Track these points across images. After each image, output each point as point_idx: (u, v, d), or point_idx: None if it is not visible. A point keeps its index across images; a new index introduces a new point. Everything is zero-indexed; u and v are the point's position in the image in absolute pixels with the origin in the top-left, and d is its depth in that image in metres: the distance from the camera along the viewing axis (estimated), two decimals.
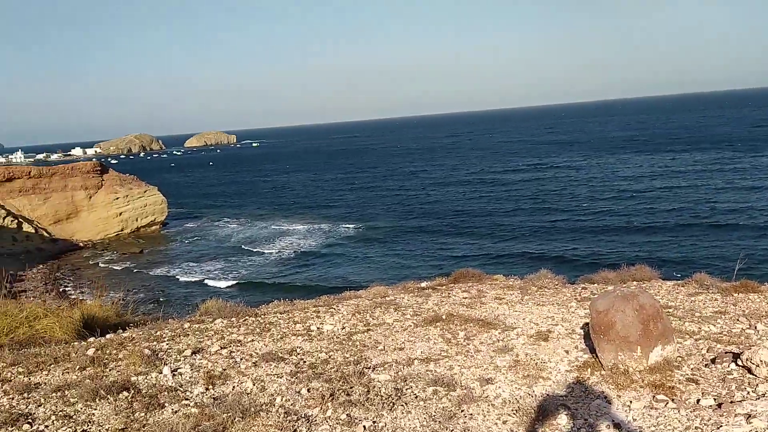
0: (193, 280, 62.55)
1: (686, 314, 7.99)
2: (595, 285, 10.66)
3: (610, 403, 5.33)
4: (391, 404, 5.33)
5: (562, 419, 5.05)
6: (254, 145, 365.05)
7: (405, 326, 8.00)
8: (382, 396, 5.49)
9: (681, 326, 7.37)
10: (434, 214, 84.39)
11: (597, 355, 6.21)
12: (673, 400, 5.30)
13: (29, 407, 5.60)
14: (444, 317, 8.17)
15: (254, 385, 5.99)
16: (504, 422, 5.05)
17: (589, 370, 6.11)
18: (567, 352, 6.75)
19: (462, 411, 5.23)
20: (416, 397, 5.50)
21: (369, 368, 6.31)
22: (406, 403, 5.37)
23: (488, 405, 5.36)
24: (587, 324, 6.95)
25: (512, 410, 5.24)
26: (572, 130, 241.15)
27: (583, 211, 74.76)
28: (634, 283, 10.43)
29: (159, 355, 7.04)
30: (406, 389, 5.70)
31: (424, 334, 7.60)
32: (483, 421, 5.07)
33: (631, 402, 5.33)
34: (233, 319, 8.90)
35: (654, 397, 5.37)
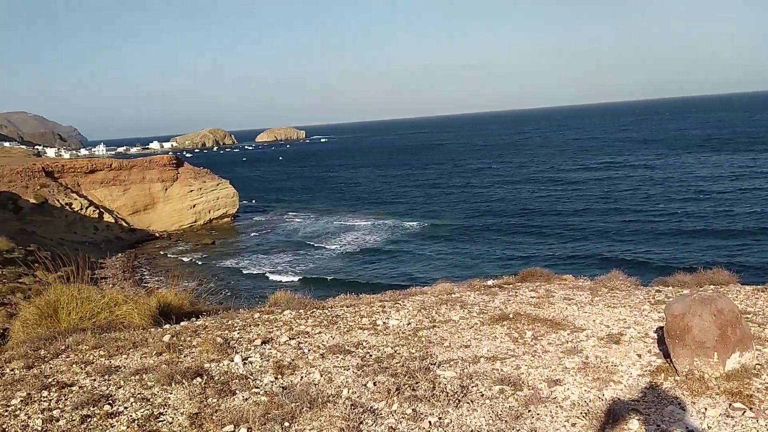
0: (261, 272, 64.07)
1: (766, 321, 7.62)
2: (670, 288, 10.30)
3: (684, 410, 5.15)
4: (457, 401, 5.32)
5: (634, 424, 4.92)
6: (323, 140, 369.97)
7: (471, 324, 7.96)
8: (447, 392, 5.48)
9: (760, 333, 7.03)
10: (500, 213, 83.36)
11: (671, 360, 6.01)
12: (751, 408, 5.07)
13: (110, 389, 5.88)
14: (511, 316, 8.08)
15: (322, 376, 6.09)
16: (573, 425, 4.96)
17: (662, 375, 5.92)
18: (639, 356, 6.55)
19: (529, 411, 5.17)
20: (482, 395, 5.47)
21: (434, 364, 6.32)
22: (471, 401, 5.35)
23: (556, 406, 5.27)
24: (661, 328, 6.73)
25: (581, 413, 5.14)
26: (647, 127, 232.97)
27: (657, 212, 72.18)
28: (711, 286, 10.02)
29: (230, 344, 7.25)
30: (472, 387, 5.68)
31: (490, 333, 7.55)
32: (551, 422, 5.00)
33: (706, 409, 5.13)
34: (301, 311, 9.08)
35: (730, 405, 5.16)
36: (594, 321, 7.96)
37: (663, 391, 5.53)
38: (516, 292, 9.92)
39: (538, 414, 5.12)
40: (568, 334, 7.35)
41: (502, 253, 61.23)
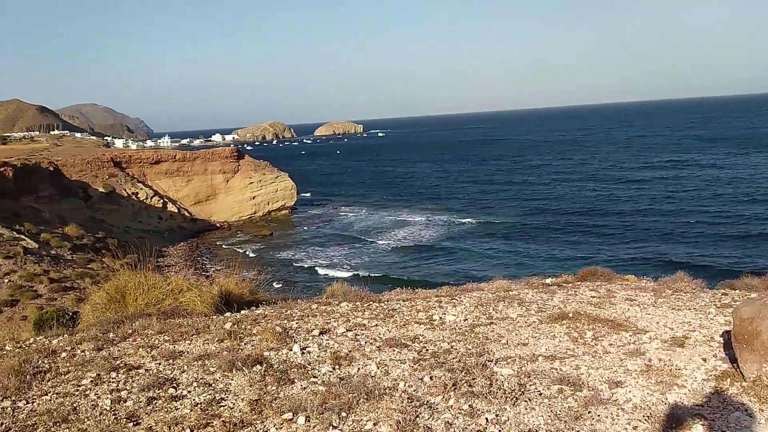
0: (316, 264, 64.89)
1: None
2: (737, 291, 9.90)
3: (751, 417, 4.95)
4: (515, 399, 5.26)
5: (698, 429, 4.76)
6: (380, 134, 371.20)
7: (529, 322, 7.86)
8: (505, 390, 5.43)
9: None
10: (559, 211, 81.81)
11: (738, 366, 5.78)
12: None
13: (174, 373, 6.08)
14: (571, 315, 7.93)
15: (378, 368, 6.13)
16: (634, 428, 4.84)
17: (728, 380, 5.71)
18: (704, 360, 6.33)
19: (589, 412, 5.07)
20: (540, 394, 5.40)
21: (491, 361, 6.27)
22: (529, 399, 5.28)
23: (617, 409, 5.15)
24: (727, 332, 6.49)
25: (643, 416, 5.01)
26: (715, 125, 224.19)
27: (724, 214, 69.46)
28: None
29: (289, 333, 7.38)
30: (530, 385, 5.61)
31: (549, 331, 7.43)
32: (611, 424, 4.89)
33: None
34: (358, 303, 9.16)
35: None
36: (657, 323, 7.74)
37: (729, 397, 5.34)
38: (575, 291, 9.74)
39: (598, 415, 5.02)
40: (630, 336, 7.17)
41: (560, 253, 60.14)
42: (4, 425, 4.89)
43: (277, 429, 4.80)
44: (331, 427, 4.77)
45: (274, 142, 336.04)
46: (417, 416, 4.94)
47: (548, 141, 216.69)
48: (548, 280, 11.27)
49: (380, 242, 73.16)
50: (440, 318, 8.13)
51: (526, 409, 5.11)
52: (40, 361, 6.51)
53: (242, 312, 8.65)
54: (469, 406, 5.14)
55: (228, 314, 8.46)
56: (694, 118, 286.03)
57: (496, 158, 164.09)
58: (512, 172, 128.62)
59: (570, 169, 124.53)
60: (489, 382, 5.61)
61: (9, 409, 5.27)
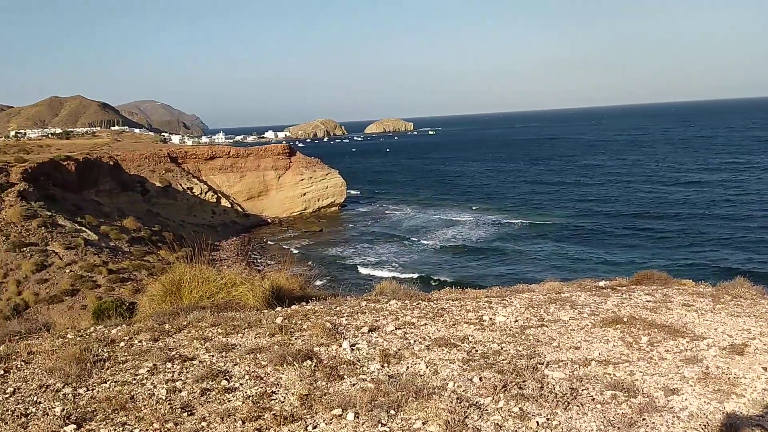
0: (365, 261, 65.17)
1: None
2: None
3: None
4: (566, 403, 5.17)
5: None
6: (430, 132, 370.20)
7: (581, 325, 7.71)
8: (556, 394, 5.34)
9: None
10: (612, 213, 79.96)
11: None
12: None
13: (226, 365, 6.21)
14: (625, 320, 7.75)
15: (427, 367, 6.11)
16: None
17: None
18: (765, 369, 6.09)
19: (643, 419, 4.94)
20: (593, 399, 5.29)
21: (542, 364, 6.17)
22: (581, 404, 5.18)
23: (673, 416, 5.01)
24: None
25: (700, 425, 4.86)
26: None
27: None
28: None
29: (339, 330, 7.43)
30: (582, 390, 5.50)
31: (602, 335, 7.27)
32: None
33: None
34: (407, 301, 9.15)
35: None
36: (715, 330, 7.49)
37: None
38: (630, 295, 9.50)
39: (653, 423, 4.89)
40: (687, 342, 6.96)
41: (613, 256, 58.83)
42: (65, 411, 5.08)
43: (326, 424, 4.84)
44: (379, 425, 4.79)
45: (325, 139, 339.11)
46: (466, 417, 4.91)
47: (603, 140, 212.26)
48: (601, 283, 11.03)
49: (428, 241, 72.98)
50: (490, 319, 8.05)
51: (578, 414, 5.02)
52: (99, 350, 6.74)
53: (293, 307, 8.75)
54: (520, 408, 5.08)
55: (279, 309, 8.57)
56: (756, 119, 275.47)
57: (548, 157, 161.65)
58: (565, 172, 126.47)
59: (625, 169, 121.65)
60: (540, 385, 5.53)
61: (70, 395, 5.47)
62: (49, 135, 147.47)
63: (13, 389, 5.62)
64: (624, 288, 10.35)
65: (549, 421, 4.87)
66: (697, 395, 5.45)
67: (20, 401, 5.35)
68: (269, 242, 78.20)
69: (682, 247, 59.96)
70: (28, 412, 5.12)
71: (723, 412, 5.12)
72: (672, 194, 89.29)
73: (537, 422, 4.83)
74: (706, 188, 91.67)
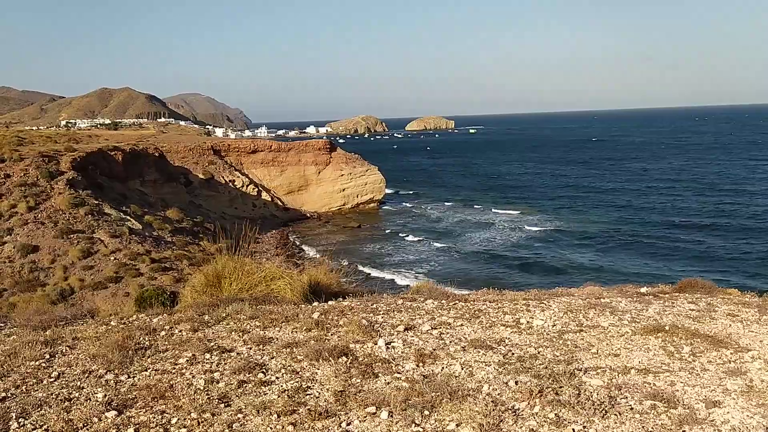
0: (402, 259, 65.12)
1: None
2: None
3: None
4: (604, 411, 5.08)
5: None
6: (471, 131, 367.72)
7: (621, 332, 7.56)
8: (593, 401, 5.25)
9: None
10: (656, 220, 77.96)
11: None
12: None
13: (263, 358, 6.28)
14: (667, 328, 7.57)
15: (462, 369, 6.08)
16: None
17: None
18: None
19: (683, 431, 4.83)
20: (631, 409, 5.19)
21: (580, 370, 6.08)
22: (619, 413, 5.08)
23: (714, 430, 4.88)
24: None
25: None
26: None
27: None
28: None
29: (375, 327, 7.45)
30: (621, 398, 5.40)
31: (642, 343, 7.12)
32: None
33: None
34: (443, 301, 9.12)
35: None
36: (761, 342, 7.26)
37: None
38: (673, 303, 9.29)
39: None
40: (731, 354, 6.77)
41: (655, 263, 57.53)
42: (107, 397, 5.22)
43: (360, 422, 4.86)
44: (413, 425, 4.78)
45: (366, 135, 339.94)
46: (500, 421, 4.87)
47: (649, 143, 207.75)
48: (643, 289, 10.81)
49: (466, 241, 72.61)
50: (527, 322, 7.96)
51: (615, 423, 4.93)
52: (141, 338, 6.90)
53: (329, 303, 8.81)
54: (555, 415, 5.01)
55: (316, 304, 8.64)
56: None
57: (590, 160, 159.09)
58: (607, 176, 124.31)
59: (673, 176, 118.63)
60: (577, 392, 5.44)
61: (112, 381, 5.62)
62: (98, 125, 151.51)
63: (57, 374, 5.79)
64: (666, 295, 10.13)
65: (585, 429, 4.79)
66: (740, 409, 5.29)
67: (64, 386, 5.51)
68: (308, 236, 78.83)
69: (723, 261, 58.15)
70: (71, 396, 5.27)
71: (766, 428, 4.97)
72: (717, 203, 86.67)
73: (573, 429, 4.76)
74: (757, 198, 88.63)
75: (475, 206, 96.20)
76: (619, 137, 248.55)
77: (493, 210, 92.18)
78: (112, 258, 44.24)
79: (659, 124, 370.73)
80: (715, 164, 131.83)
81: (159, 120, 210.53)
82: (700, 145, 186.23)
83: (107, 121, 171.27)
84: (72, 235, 45.71)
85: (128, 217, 53.57)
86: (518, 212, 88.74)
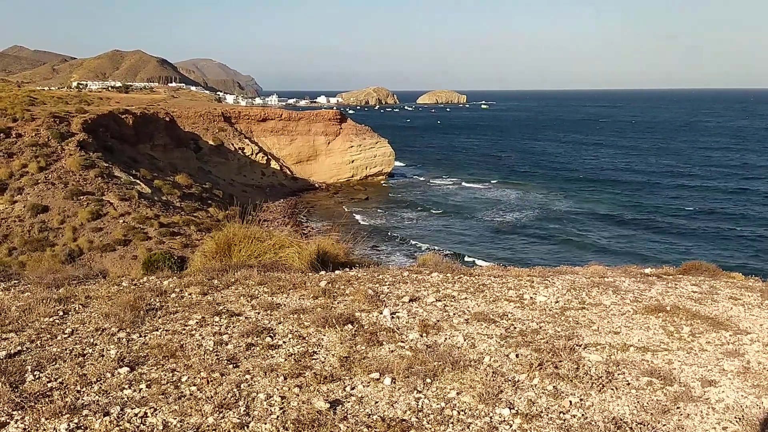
0: (409, 233, 65.29)
1: None
2: None
3: None
4: (601, 386, 5.21)
5: None
6: (483, 106, 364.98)
7: (623, 311, 7.68)
8: (591, 376, 5.39)
9: None
10: (666, 204, 77.12)
11: None
12: None
13: (271, 323, 6.44)
14: (668, 308, 7.68)
15: (465, 340, 6.22)
16: (724, 428, 4.70)
17: None
18: None
19: (678, 408, 4.96)
20: (628, 384, 5.32)
21: (580, 346, 6.21)
22: (616, 388, 5.22)
23: (708, 407, 5.01)
24: None
25: (735, 417, 4.85)
26: None
27: None
28: None
29: (380, 297, 7.59)
30: (618, 374, 5.53)
31: (643, 322, 7.24)
32: (700, 422, 4.77)
33: None
34: (448, 275, 9.24)
35: None
36: (761, 325, 7.36)
37: None
38: (676, 284, 9.37)
39: (687, 412, 4.90)
40: (730, 336, 6.87)
41: (661, 246, 57.39)
42: (119, 353, 5.39)
43: (364, 386, 5.01)
44: (415, 391, 4.93)
45: (376, 107, 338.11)
46: (500, 391, 5.01)
47: (661, 123, 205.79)
48: (647, 270, 10.90)
49: (473, 217, 72.66)
50: (531, 298, 8.08)
51: (612, 397, 5.06)
52: (152, 299, 7.07)
53: (336, 272, 8.95)
54: (554, 387, 5.15)
55: (323, 273, 8.78)
56: None
57: (600, 139, 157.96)
58: (618, 156, 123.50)
59: (684, 161, 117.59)
60: (576, 366, 5.58)
61: (124, 339, 5.79)
62: (109, 88, 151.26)
63: (71, 330, 5.97)
64: (670, 277, 10.22)
65: (582, 402, 4.93)
66: (735, 389, 5.41)
67: (78, 342, 5.68)
68: (316, 207, 79.04)
69: (738, 245, 57.93)
70: (84, 352, 5.45)
71: (760, 407, 5.08)
72: (734, 190, 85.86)
73: (570, 401, 4.90)
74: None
75: (483, 183, 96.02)
76: (630, 117, 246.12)
77: (500, 187, 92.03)
78: (121, 221, 44.59)
79: (680, 104, 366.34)
80: (732, 150, 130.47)
81: (170, 84, 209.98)
82: (717, 128, 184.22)
83: (118, 84, 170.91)
84: (81, 197, 46.05)
85: (138, 181, 53.85)
86: (526, 190, 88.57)
